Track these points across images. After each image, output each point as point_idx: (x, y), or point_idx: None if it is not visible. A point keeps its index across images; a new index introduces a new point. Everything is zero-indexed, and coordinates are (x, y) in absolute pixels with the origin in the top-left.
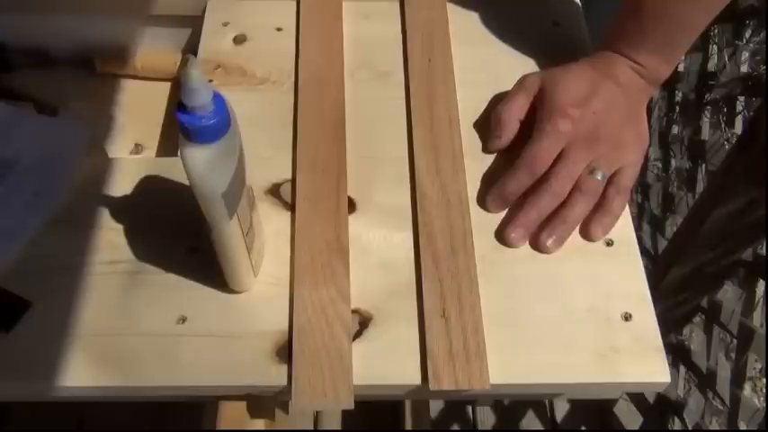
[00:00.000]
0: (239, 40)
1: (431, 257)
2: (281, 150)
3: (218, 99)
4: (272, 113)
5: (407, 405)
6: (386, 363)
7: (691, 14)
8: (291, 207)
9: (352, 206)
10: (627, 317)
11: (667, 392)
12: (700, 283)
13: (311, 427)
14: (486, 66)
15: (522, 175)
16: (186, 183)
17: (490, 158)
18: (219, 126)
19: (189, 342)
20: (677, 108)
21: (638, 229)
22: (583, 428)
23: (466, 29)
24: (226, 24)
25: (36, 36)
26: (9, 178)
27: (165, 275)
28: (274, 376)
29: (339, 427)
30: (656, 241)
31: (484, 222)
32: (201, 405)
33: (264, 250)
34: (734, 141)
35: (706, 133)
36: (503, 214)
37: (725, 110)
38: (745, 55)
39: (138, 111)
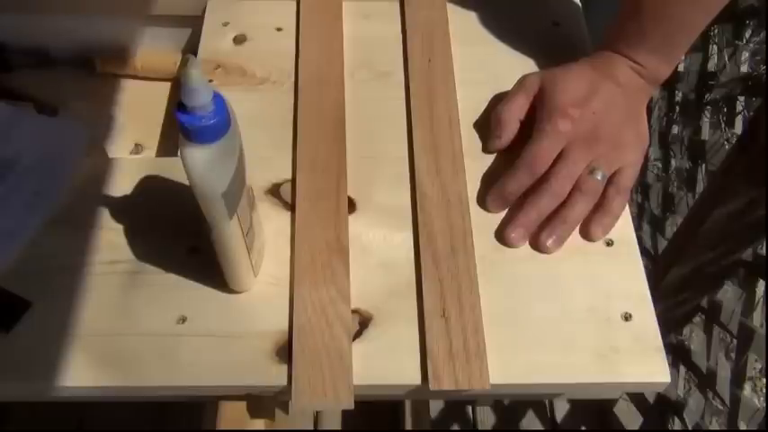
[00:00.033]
0: (239, 40)
1: (431, 257)
2: (281, 150)
3: (218, 99)
4: (272, 113)
5: (407, 405)
6: (386, 363)
7: (690, 15)
8: (291, 207)
9: (352, 206)
10: (627, 317)
11: (667, 392)
12: (700, 283)
13: (311, 427)
14: (485, 65)
15: (522, 175)
16: (186, 183)
17: (490, 158)
18: (219, 126)
19: (189, 342)
20: (677, 108)
21: (638, 229)
22: (583, 428)
23: (466, 29)
24: (226, 24)
25: (36, 36)
26: (9, 178)
27: (165, 275)
28: (274, 376)
29: (339, 427)
30: (656, 241)
31: (484, 222)
32: (201, 405)
33: (264, 250)
34: (734, 141)
35: (706, 133)
36: (503, 214)
37: (725, 110)
38: (745, 55)
39: (138, 111)
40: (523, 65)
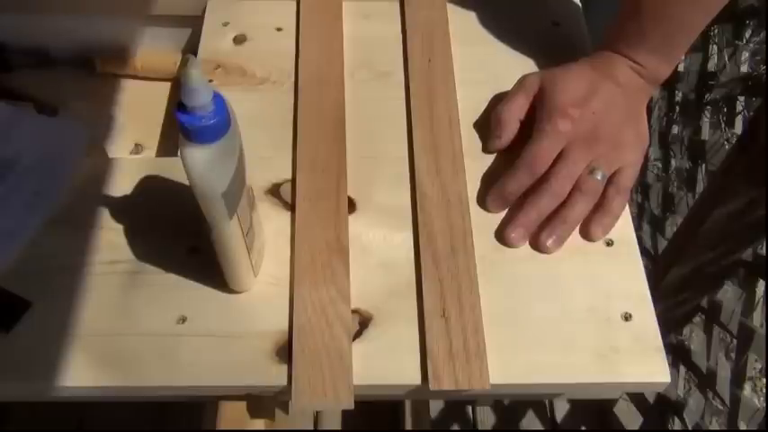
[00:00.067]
0: (239, 40)
1: (431, 257)
2: (281, 150)
3: (218, 99)
4: (272, 113)
5: (407, 405)
6: (386, 363)
7: (689, 15)
8: (291, 207)
9: (352, 206)
10: (627, 317)
11: (667, 392)
12: (700, 283)
13: (311, 427)
14: (485, 65)
15: (522, 175)
16: (186, 183)
17: (490, 158)
18: (219, 126)
19: (189, 342)
20: (677, 108)
21: (638, 229)
22: (583, 428)
23: (466, 29)
24: (226, 24)
25: (36, 36)
26: (9, 178)
27: (165, 275)
28: (274, 376)
29: (339, 427)
30: (656, 241)
31: (484, 222)
32: (201, 405)
33: (264, 250)
34: (734, 141)
35: (706, 133)
36: (503, 214)
37: (725, 110)
38: (745, 55)
39: (138, 111)
40: (523, 65)
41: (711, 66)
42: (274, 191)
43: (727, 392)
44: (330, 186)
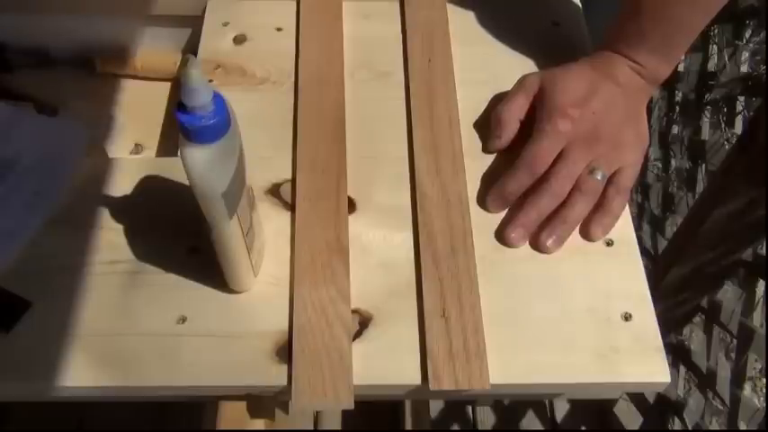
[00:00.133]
0: (239, 40)
1: (431, 257)
2: (281, 150)
3: (218, 99)
4: (272, 113)
5: (407, 405)
6: (386, 363)
7: (689, 16)
8: (291, 207)
9: (352, 206)
10: (627, 317)
11: (667, 392)
12: (700, 283)
13: (311, 427)
14: (486, 65)
15: (522, 175)
16: (186, 183)
17: (490, 158)
18: (219, 126)
19: (189, 342)
20: (677, 108)
21: (638, 229)
22: (583, 428)
23: (466, 29)
24: (226, 24)
25: (36, 36)
26: (9, 178)
27: (165, 275)
28: (274, 376)
29: (339, 427)
30: (656, 241)
31: (484, 222)
32: (201, 405)
33: (264, 250)
34: (734, 141)
35: (706, 133)
36: (503, 214)
37: (725, 110)
38: (745, 55)
39: (138, 111)
40: (523, 65)
41: (711, 66)
42: (274, 191)
43: (727, 392)
44: (330, 186)
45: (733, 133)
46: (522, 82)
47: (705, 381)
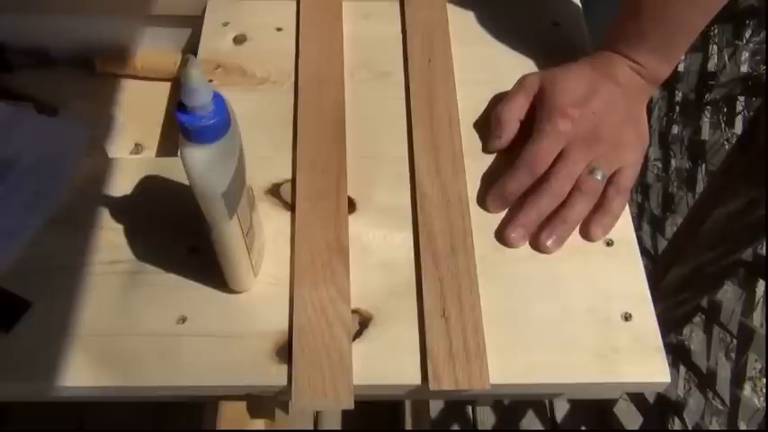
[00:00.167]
0: (239, 40)
1: (431, 257)
2: (281, 150)
3: (218, 99)
4: (272, 113)
5: (407, 405)
6: (386, 363)
7: (689, 16)
8: (291, 207)
9: (352, 206)
10: (627, 317)
11: (667, 392)
12: (700, 283)
13: (311, 427)
14: (486, 65)
15: (522, 175)
16: (186, 183)
17: (490, 158)
18: (219, 126)
19: (189, 342)
20: (677, 108)
21: (638, 229)
22: (583, 428)
23: (466, 29)
24: (226, 24)
25: (36, 36)
26: (9, 178)
27: (165, 275)
28: (274, 376)
29: (339, 427)
30: (656, 241)
31: (484, 222)
32: (201, 405)
33: (264, 250)
34: (734, 141)
35: (706, 133)
36: (503, 214)
37: (725, 110)
38: (745, 55)
39: (138, 111)
40: (523, 65)
41: (711, 66)
42: (274, 191)
43: (727, 392)
44: (330, 186)
45: (733, 133)
46: (522, 82)
47: (705, 381)
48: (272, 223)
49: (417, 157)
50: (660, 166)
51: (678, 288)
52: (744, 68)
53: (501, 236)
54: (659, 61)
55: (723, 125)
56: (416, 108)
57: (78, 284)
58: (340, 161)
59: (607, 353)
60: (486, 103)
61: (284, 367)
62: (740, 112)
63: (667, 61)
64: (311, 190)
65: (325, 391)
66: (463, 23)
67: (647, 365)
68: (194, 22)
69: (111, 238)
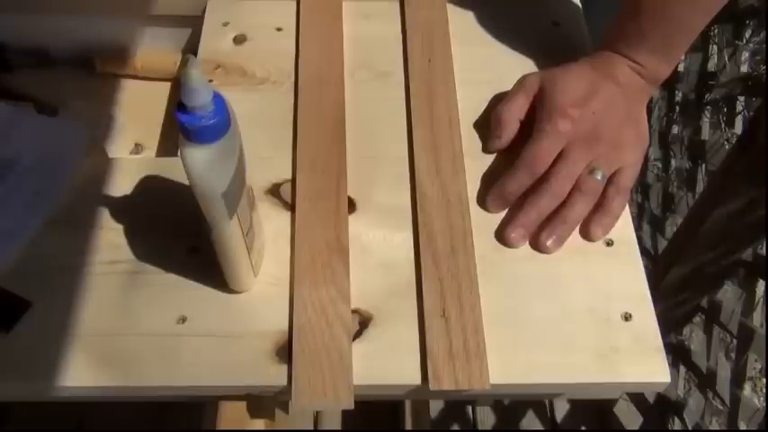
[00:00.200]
0: (239, 40)
1: (431, 257)
2: (281, 150)
3: (218, 99)
4: (272, 113)
5: (407, 405)
6: (386, 363)
7: (689, 16)
8: (291, 207)
9: (352, 206)
10: (627, 317)
11: (667, 392)
12: (700, 283)
13: (311, 427)
14: (486, 65)
15: (522, 175)
16: (186, 183)
17: (490, 158)
18: (219, 126)
19: (189, 342)
20: (677, 108)
21: (638, 229)
22: (583, 428)
23: (466, 29)
24: (226, 24)
25: (36, 36)
26: (9, 178)
27: (165, 275)
28: (274, 376)
29: (339, 427)
30: (656, 241)
31: (484, 222)
32: (201, 405)
33: (264, 250)
34: (734, 141)
35: (706, 133)
36: (503, 214)
37: (725, 110)
38: (745, 55)
39: (138, 111)
40: (523, 65)
41: (711, 66)
42: (274, 191)
43: (727, 392)
44: (330, 186)
45: (733, 133)
46: (522, 82)
47: (705, 381)
48: (272, 223)
49: (417, 157)
50: (660, 166)
51: (678, 288)
52: (744, 68)
53: (501, 236)
54: (659, 61)
55: (723, 125)
56: (416, 108)
57: (78, 284)
58: (340, 161)
59: (607, 353)
60: (486, 103)
61: (284, 367)
62: (740, 112)
63: (667, 61)
64: (311, 190)
65: (326, 391)
66: (463, 23)
67: (647, 365)
68: (194, 22)
69: (111, 238)
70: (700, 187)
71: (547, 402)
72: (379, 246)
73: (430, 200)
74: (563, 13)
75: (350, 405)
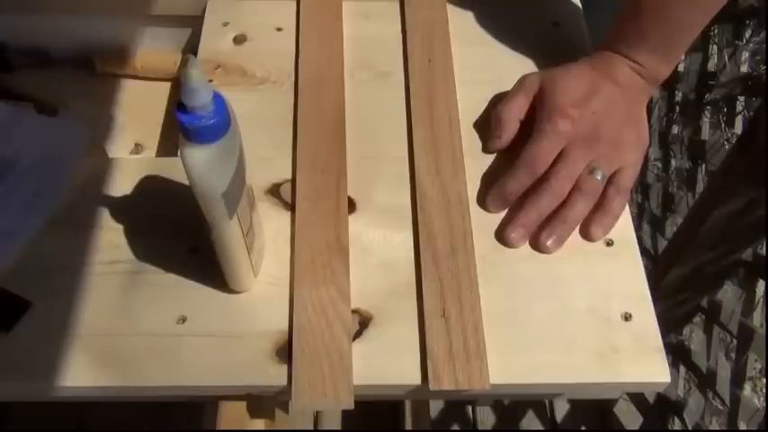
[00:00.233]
0: (239, 40)
1: (431, 257)
2: (281, 150)
3: (218, 99)
4: (272, 113)
5: (407, 405)
6: (386, 363)
7: (689, 16)
8: (291, 207)
9: (352, 206)
10: (627, 317)
11: (667, 392)
12: (700, 283)
13: (311, 427)
14: (486, 65)
15: (522, 174)
16: (186, 183)
17: (490, 158)
18: (219, 126)
19: (189, 342)
20: (677, 108)
21: (638, 229)
22: (583, 428)
23: (466, 29)
24: (226, 24)
25: (36, 36)
26: (9, 178)
27: (165, 275)
28: (274, 376)
29: (339, 427)
30: (656, 241)
31: (484, 222)
32: (201, 405)
33: (264, 250)
34: (734, 141)
35: (706, 133)
36: (503, 214)
37: (725, 110)
38: (745, 55)
39: (138, 111)
40: (523, 65)
41: (711, 66)
42: (274, 191)
43: (727, 392)
44: (330, 186)
45: (733, 133)
46: (522, 82)
47: (705, 381)
48: (272, 223)
49: (417, 157)
50: (660, 166)
51: (678, 288)
52: (744, 68)
53: (501, 236)
54: (659, 61)
55: (723, 125)
56: (416, 108)
57: (78, 284)
58: (340, 161)
59: (607, 353)
60: (486, 103)
61: (284, 367)
62: (740, 112)
63: (667, 61)
64: (311, 190)
65: (326, 391)
66: (463, 23)
67: (647, 365)
68: (194, 22)
69: (111, 238)
70: (700, 187)
71: (547, 402)
72: (379, 246)
73: (430, 200)
74: (563, 13)
75: (350, 405)
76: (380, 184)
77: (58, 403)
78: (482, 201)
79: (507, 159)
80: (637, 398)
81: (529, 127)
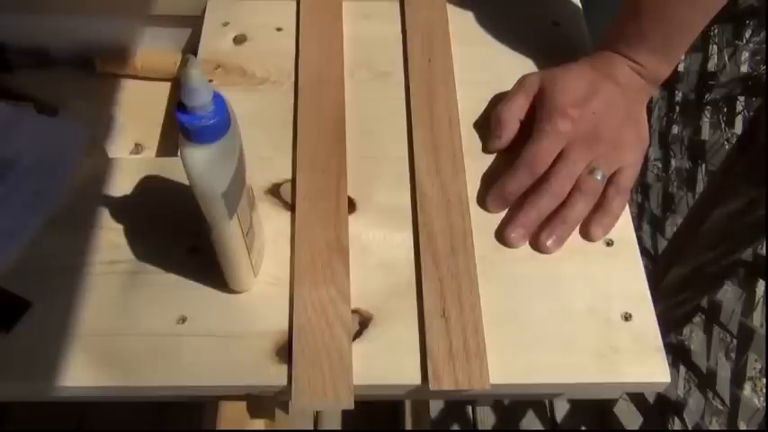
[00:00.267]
0: (239, 40)
1: (431, 257)
2: (281, 150)
3: (218, 99)
4: (272, 113)
5: (407, 405)
6: (386, 363)
7: (689, 16)
8: (291, 207)
9: (352, 206)
10: (627, 317)
11: (667, 392)
12: (700, 283)
13: (311, 427)
14: (486, 66)
15: (522, 174)
16: (186, 183)
17: (490, 158)
18: (219, 126)
19: (189, 342)
20: (677, 108)
21: (638, 229)
22: (583, 428)
23: (466, 29)
24: (226, 24)
25: (36, 36)
26: (9, 178)
27: (165, 275)
28: (274, 376)
29: (339, 427)
30: (656, 241)
31: (484, 222)
32: (201, 405)
33: (264, 250)
34: (734, 141)
35: (706, 133)
36: (503, 214)
37: (725, 110)
38: (745, 55)
39: (138, 111)
40: (523, 65)
41: (711, 66)
42: (274, 191)
43: (727, 392)
44: (330, 186)
45: (733, 133)
46: (522, 82)
47: (705, 381)
48: (272, 223)
49: (417, 157)
50: (660, 166)
51: (678, 288)
52: (744, 68)
53: (501, 236)
54: (659, 61)
55: (723, 125)
56: (416, 108)
57: (78, 284)
58: (340, 161)
59: (607, 353)
60: (486, 103)
61: (284, 367)
62: (740, 112)
63: (667, 61)
64: (311, 190)
65: (326, 391)
66: (463, 23)
67: (647, 365)
68: (194, 22)
69: (111, 238)
70: (700, 187)
71: (547, 402)
72: (379, 246)
73: (430, 200)
74: (563, 13)
75: (350, 405)
76: (380, 184)
77: (58, 403)
78: (482, 201)
79: (507, 159)
80: (637, 398)
81: (529, 127)
